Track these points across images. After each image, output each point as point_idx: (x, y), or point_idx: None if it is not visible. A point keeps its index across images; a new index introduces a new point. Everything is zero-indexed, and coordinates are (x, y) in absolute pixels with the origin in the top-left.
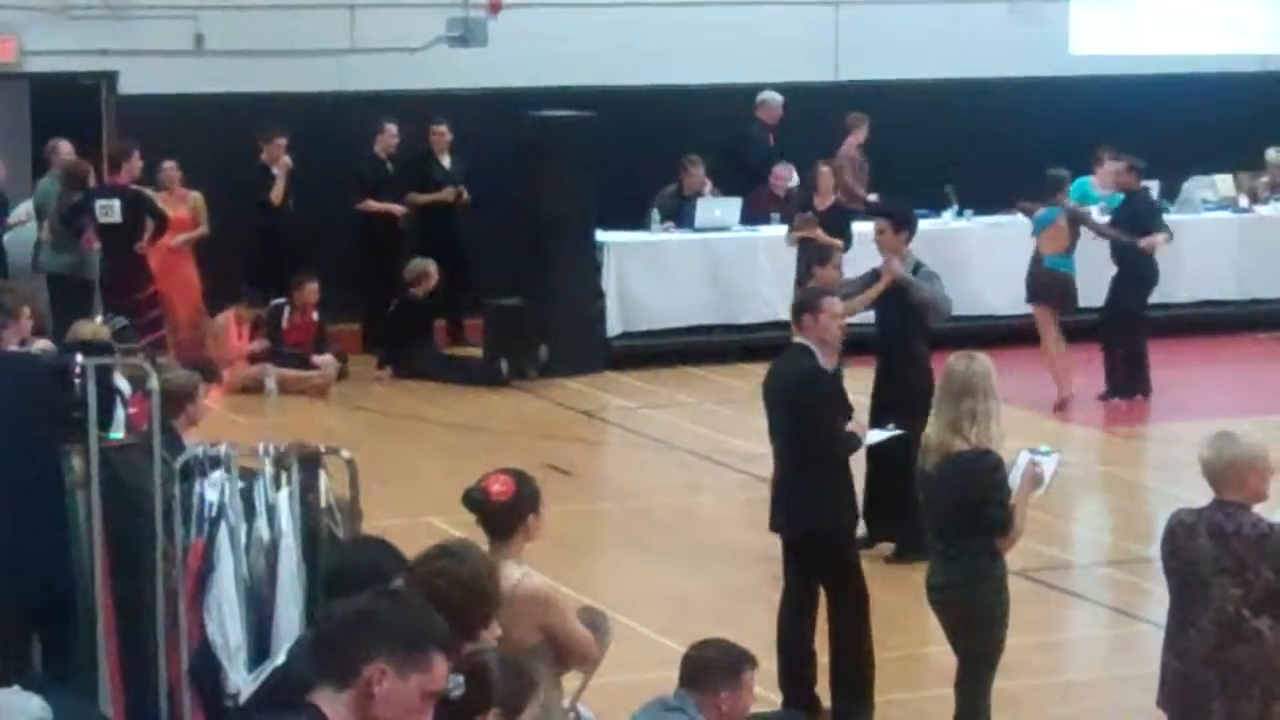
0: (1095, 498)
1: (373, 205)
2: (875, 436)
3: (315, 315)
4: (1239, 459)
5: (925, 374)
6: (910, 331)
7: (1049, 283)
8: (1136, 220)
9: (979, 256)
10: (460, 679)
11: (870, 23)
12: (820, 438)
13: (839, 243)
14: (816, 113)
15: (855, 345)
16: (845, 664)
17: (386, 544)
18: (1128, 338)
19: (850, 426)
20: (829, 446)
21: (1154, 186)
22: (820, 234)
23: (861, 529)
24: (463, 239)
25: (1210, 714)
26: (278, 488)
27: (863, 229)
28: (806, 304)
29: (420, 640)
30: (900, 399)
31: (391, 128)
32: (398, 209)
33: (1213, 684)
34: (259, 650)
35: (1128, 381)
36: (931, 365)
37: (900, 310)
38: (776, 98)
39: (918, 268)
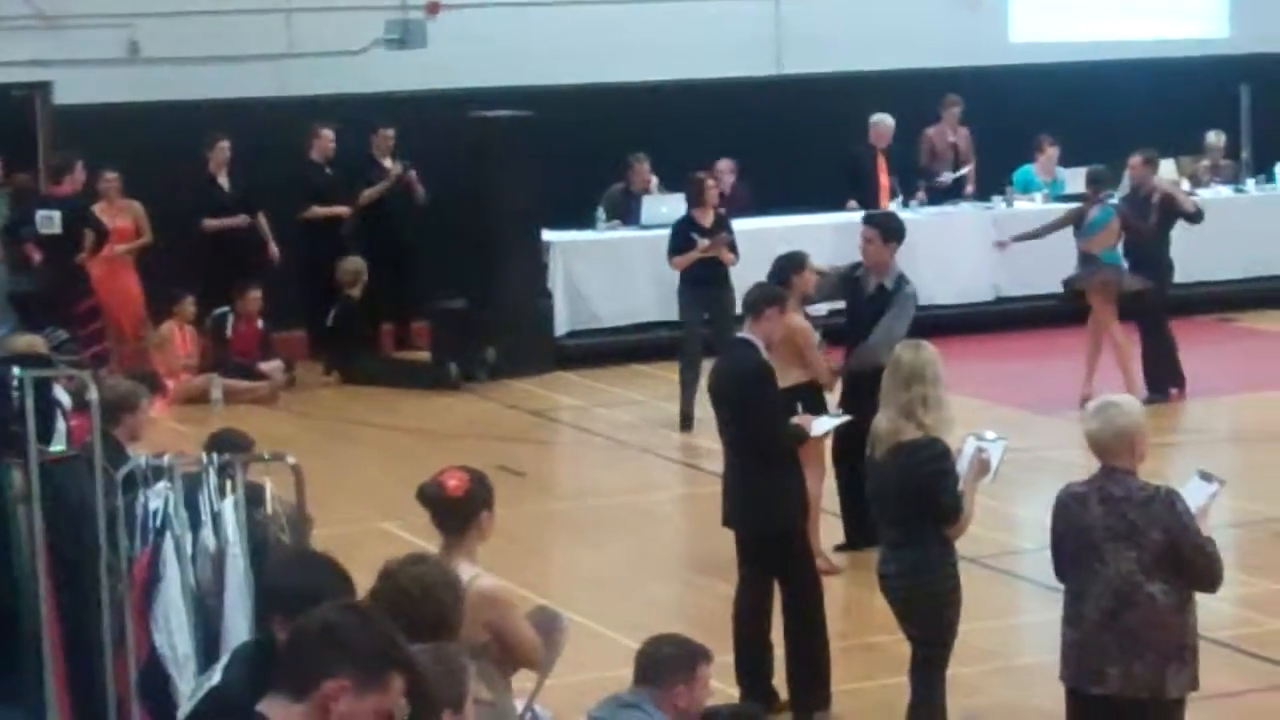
0: (1045, 482)
1: (317, 211)
2: (823, 426)
3: (260, 323)
4: (1126, 427)
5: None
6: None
7: (1109, 278)
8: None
9: (924, 247)
10: (404, 704)
11: (812, 16)
12: (767, 432)
13: (731, 257)
14: (760, 107)
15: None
16: (801, 655)
17: (328, 563)
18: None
19: (796, 419)
20: (776, 441)
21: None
22: (727, 254)
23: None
24: (407, 242)
25: (1106, 679)
26: (223, 496)
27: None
28: (757, 301)
29: (383, 661)
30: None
31: (327, 132)
32: (343, 210)
33: (1109, 648)
34: (208, 660)
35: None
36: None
37: (873, 311)
38: (888, 121)
39: (900, 280)
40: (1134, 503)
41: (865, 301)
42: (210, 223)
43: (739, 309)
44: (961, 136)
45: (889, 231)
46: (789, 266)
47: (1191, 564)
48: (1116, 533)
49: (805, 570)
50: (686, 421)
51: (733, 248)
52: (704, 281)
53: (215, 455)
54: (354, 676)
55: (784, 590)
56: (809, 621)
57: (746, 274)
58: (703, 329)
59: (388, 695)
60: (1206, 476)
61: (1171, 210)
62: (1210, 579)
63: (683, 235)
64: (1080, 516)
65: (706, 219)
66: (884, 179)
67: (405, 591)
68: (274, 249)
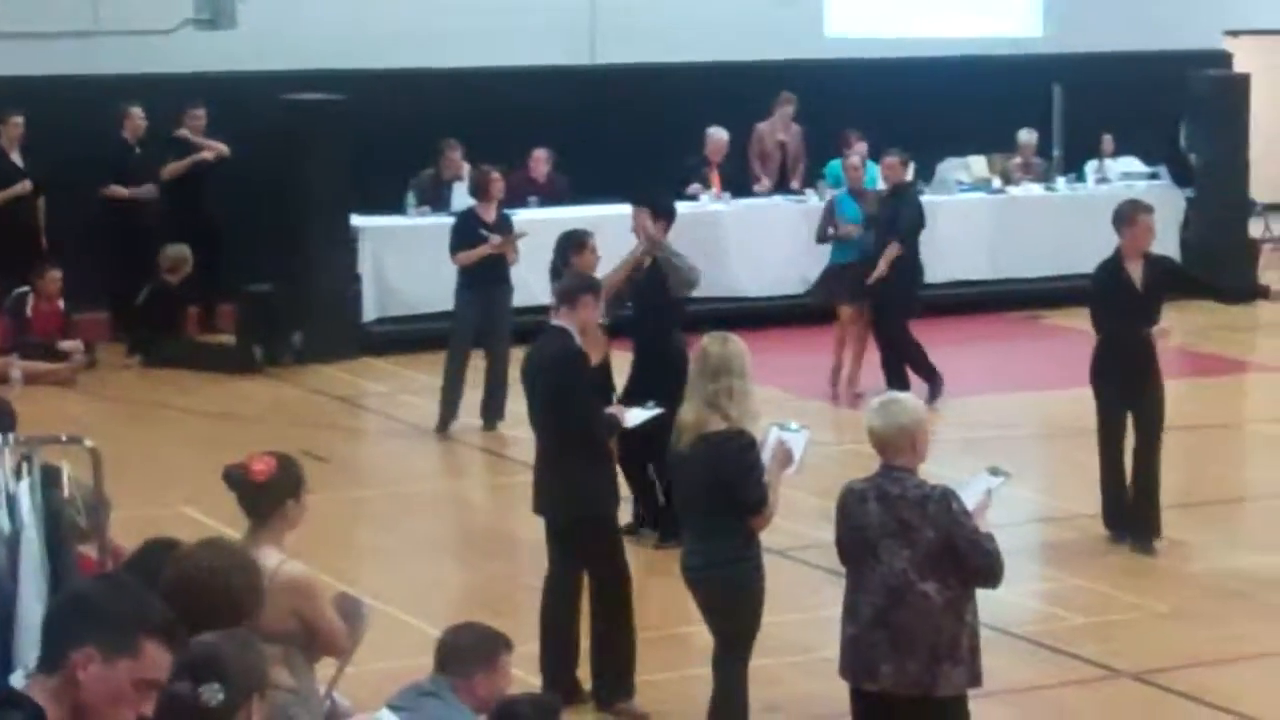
0: (849, 475)
1: (119, 191)
2: (636, 417)
3: (60, 304)
4: (908, 425)
5: (682, 359)
6: (667, 317)
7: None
8: (900, 218)
9: (735, 239)
10: (217, 686)
11: (627, 5)
12: (579, 420)
13: (515, 256)
14: (572, 97)
15: (613, 331)
16: (607, 647)
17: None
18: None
19: (610, 409)
20: (588, 429)
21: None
22: (511, 252)
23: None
24: (215, 224)
25: (879, 675)
26: (18, 479)
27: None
28: (572, 289)
29: (130, 626)
30: (658, 383)
31: (137, 110)
32: (145, 193)
33: (881, 645)
34: (3, 644)
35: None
36: (688, 351)
37: (658, 296)
38: (723, 135)
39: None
40: (909, 501)
41: (644, 282)
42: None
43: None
44: (793, 135)
45: (659, 210)
46: (569, 246)
47: (968, 561)
48: (890, 530)
49: (615, 561)
50: (444, 425)
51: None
52: (488, 281)
53: (11, 435)
54: (100, 643)
55: (592, 579)
56: (616, 611)
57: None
58: (475, 327)
59: (142, 662)
60: (994, 471)
61: None
62: (988, 575)
63: (468, 230)
64: (857, 513)
65: (490, 214)
66: (716, 190)
67: (195, 575)
68: (44, 240)
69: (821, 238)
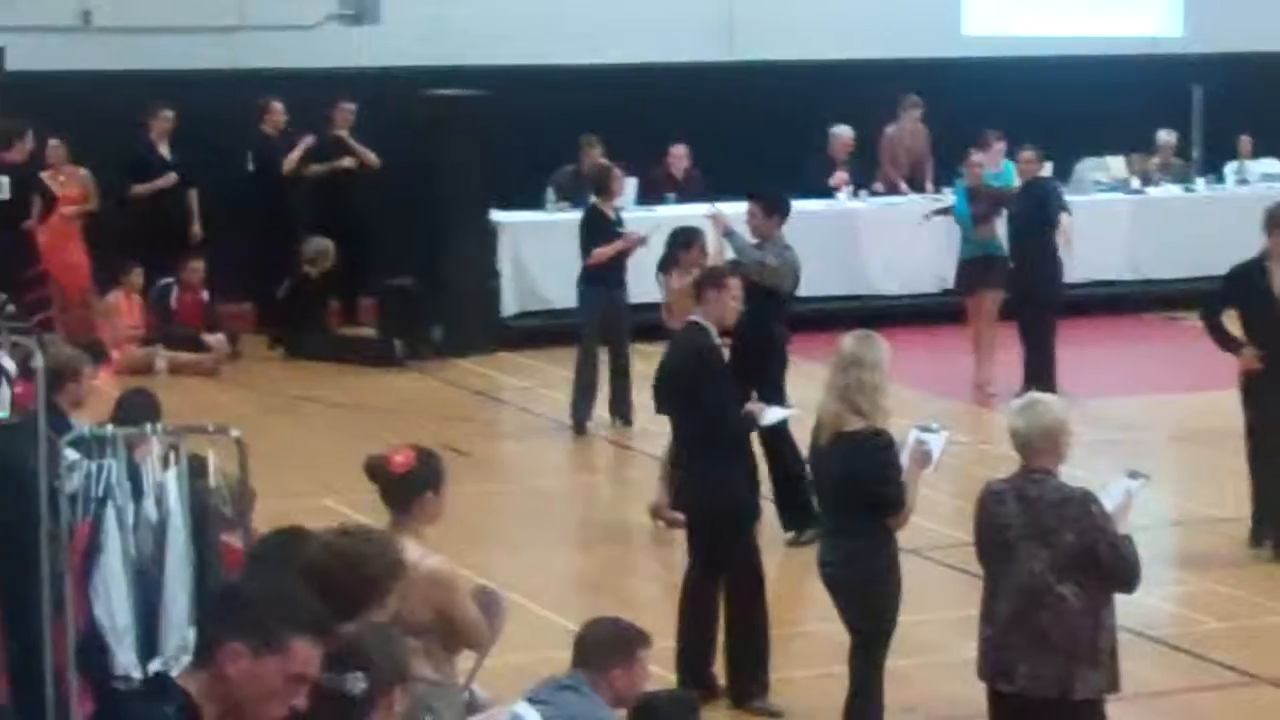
0: (992, 476)
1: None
2: (774, 416)
3: (204, 294)
4: (1052, 426)
5: (779, 351)
6: (764, 309)
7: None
8: (1050, 206)
9: (870, 238)
10: (360, 676)
11: (766, 1)
12: (716, 417)
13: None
14: (711, 93)
15: None
16: (741, 644)
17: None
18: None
19: (749, 406)
20: (725, 426)
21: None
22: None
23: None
24: (358, 219)
25: (1015, 677)
26: (165, 467)
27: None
28: (710, 280)
29: (279, 623)
30: (754, 374)
31: (277, 105)
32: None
33: (1019, 646)
34: (146, 631)
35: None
36: (787, 349)
37: (758, 293)
38: (847, 133)
39: (786, 249)
40: (1048, 503)
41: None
42: (137, 189)
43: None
44: (919, 138)
45: (770, 205)
46: (677, 243)
47: (1107, 565)
48: (1030, 532)
49: (750, 558)
50: (581, 420)
51: None
52: (613, 278)
53: (158, 425)
54: (248, 640)
55: (726, 577)
56: (750, 609)
57: None
58: (602, 323)
59: (290, 659)
60: (1133, 474)
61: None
62: (1125, 580)
63: (600, 228)
64: (997, 514)
65: (611, 211)
66: (841, 187)
67: (331, 560)
68: (197, 229)
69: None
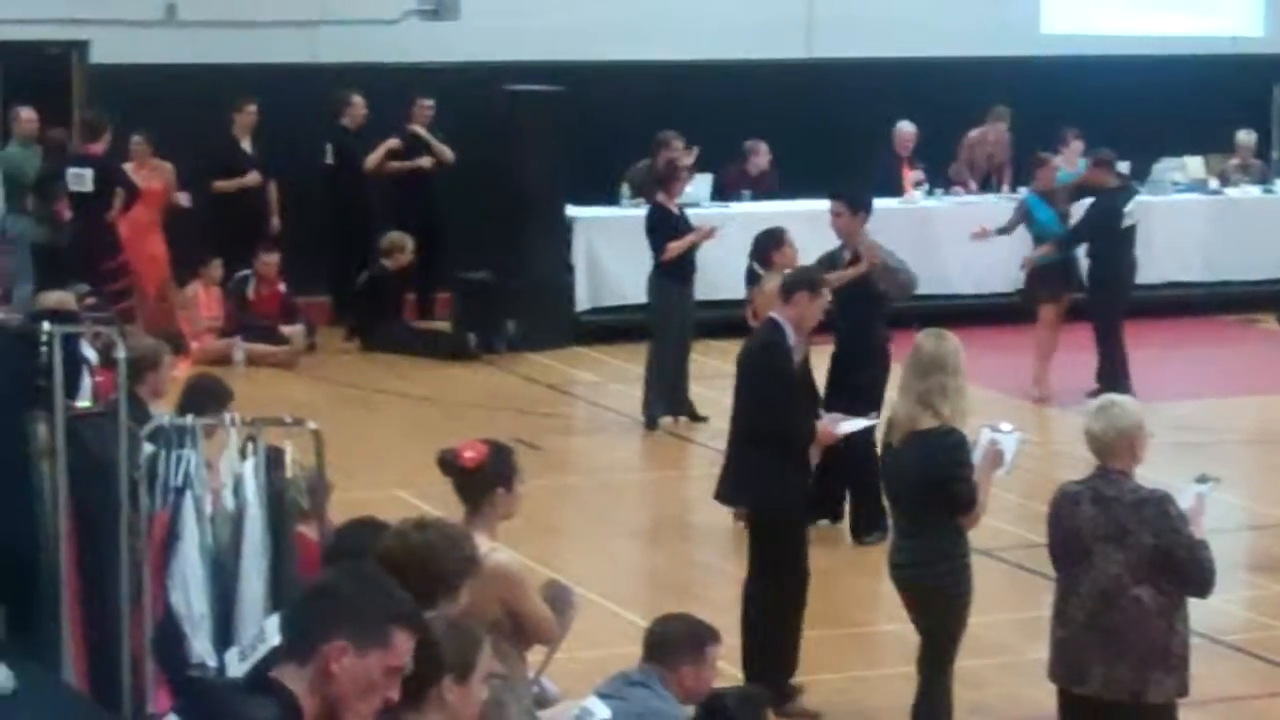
0: (1062, 477)
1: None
2: (851, 426)
3: (281, 287)
4: (1129, 428)
5: (884, 355)
6: (870, 313)
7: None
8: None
9: (947, 236)
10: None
11: (844, 0)
12: (776, 417)
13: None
14: (789, 90)
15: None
16: (770, 649)
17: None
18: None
19: (824, 420)
20: (776, 423)
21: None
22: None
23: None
24: (436, 213)
25: (1088, 679)
26: (243, 458)
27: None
28: (790, 284)
29: (380, 617)
30: (859, 379)
31: (358, 100)
32: (388, 150)
33: (1092, 648)
34: (223, 621)
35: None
36: (889, 347)
37: (862, 292)
38: (909, 128)
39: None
40: (1125, 504)
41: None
42: (219, 184)
43: None
44: (1001, 146)
45: (855, 203)
46: (768, 244)
47: (1183, 568)
48: (1106, 534)
49: (795, 561)
50: (653, 422)
51: None
52: (685, 273)
53: (237, 416)
54: (352, 635)
55: (771, 576)
56: (785, 613)
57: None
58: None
59: (392, 651)
60: (1203, 479)
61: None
62: (1200, 584)
63: (669, 224)
64: (1072, 516)
65: (675, 208)
66: (908, 185)
67: (404, 553)
68: (276, 221)
69: (1001, 230)
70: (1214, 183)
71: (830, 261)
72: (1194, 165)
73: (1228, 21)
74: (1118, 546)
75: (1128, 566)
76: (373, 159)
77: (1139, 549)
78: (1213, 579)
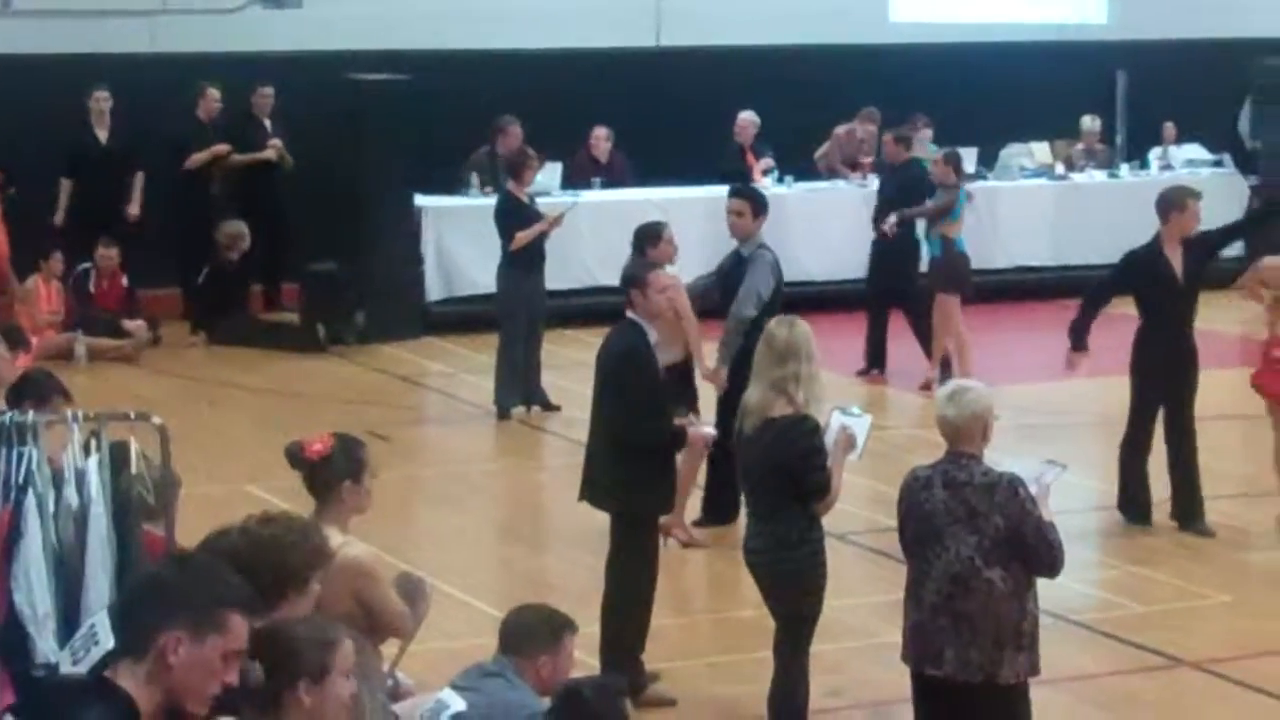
0: (910, 460)
1: (198, 157)
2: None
3: (124, 280)
4: (981, 413)
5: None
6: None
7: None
8: (904, 192)
9: (798, 223)
10: (257, 664)
11: None
12: (641, 428)
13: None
14: (634, 79)
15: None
16: (615, 643)
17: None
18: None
19: (686, 420)
20: (634, 429)
21: (972, 153)
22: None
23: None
24: (280, 203)
25: (942, 661)
26: (86, 455)
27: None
28: (633, 279)
29: (212, 602)
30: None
31: (213, 91)
32: (221, 149)
33: (945, 631)
34: (67, 620)
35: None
36: None
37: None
38: (749, 117)
39: (759, 248)
40: (976, 488)
41: (725, 275)
42: (197, 157)
43: None
44: (868, 145)
45: (759, 205)
46: (644, 238)
47: (1033, 550)
48: (957, 517)
49: (645, 557)
50: (505, 412)
51: None
52: (534, 262)
53: (80, 412)
54: (186, 624)
55: (618, 569)
56: (629, 609)
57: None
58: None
59: (229, 635)
60: (1050, 463)
61: None
62: (1050, 565)
63: (517, 212)
64: (923, 500)
65: (525, 196)
66: (757, 173)
67: (251, 549)
68: (135, 209)
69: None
70: (1060, 168)
71: (735, 261)
72: (1040, 151)
73: (1072, 9)
74: (969, 529)
75: (980, 549)
76: (194, 161)
77: (991, 531)
78: (1061, 560)
